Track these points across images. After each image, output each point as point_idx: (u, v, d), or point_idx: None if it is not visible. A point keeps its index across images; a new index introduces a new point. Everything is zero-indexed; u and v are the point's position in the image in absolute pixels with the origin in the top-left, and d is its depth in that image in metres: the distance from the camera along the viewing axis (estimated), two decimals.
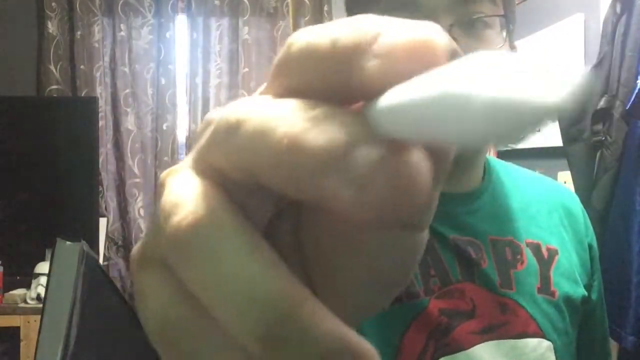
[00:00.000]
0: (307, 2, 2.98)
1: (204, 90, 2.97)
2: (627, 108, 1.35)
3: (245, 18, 2.98)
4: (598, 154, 1.43)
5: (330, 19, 3.02)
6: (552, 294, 0.66)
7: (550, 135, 1.76)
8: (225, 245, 0.17)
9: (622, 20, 1.39)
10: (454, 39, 0.58)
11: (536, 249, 0.68)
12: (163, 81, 2.94)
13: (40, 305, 1.02)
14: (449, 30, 0.59)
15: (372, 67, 0.16)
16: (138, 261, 0.20)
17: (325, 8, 3.00)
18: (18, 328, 2.41)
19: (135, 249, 0.20)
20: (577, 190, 1.51)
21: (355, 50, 0.17)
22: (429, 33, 0.17)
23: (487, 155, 0.76)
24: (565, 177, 1.70)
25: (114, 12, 2.92)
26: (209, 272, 0.17)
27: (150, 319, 0.19)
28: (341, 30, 0.17)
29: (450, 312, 0.63)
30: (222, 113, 0.18)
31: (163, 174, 0.20)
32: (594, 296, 0.72)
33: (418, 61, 0.16)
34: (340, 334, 0.17)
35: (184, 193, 0.18)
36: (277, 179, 0.17)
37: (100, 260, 2.68)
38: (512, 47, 0.67)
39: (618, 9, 1.41)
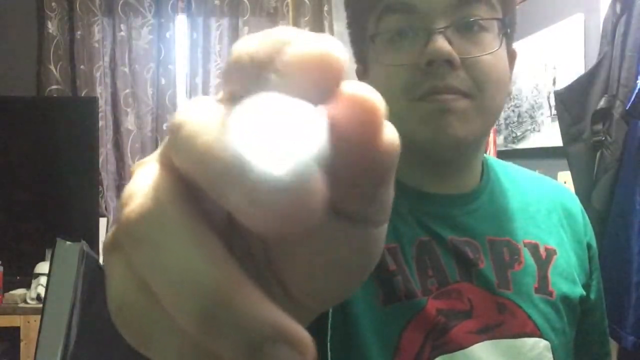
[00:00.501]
0: (307, 2, 2.98)
1: (204, 90, 2.97)
2: (627, 108, 1.35)
3: (245, 18, 2.98)
4: (598, 154, 1.43)
5: (330, 18, 3.02)
6: (550, 294, 0.66)
7: (550, 135, 1.76)
8: (167, 234, 0.18)
9: (622, 20, 1.39)
10: (449, 41, 0.59)
11: (534, 249, 0.68)
12: (163, 81, 2.94)
13: (40, 305, 1.02)
14: (444, 32, 0.59)
15: (273, 80, 0.18)
16: (106, 245, 0.21)
17: (325, 8, 3.00)
18: (18, 328, 2.41)
19: (107, 234, 0.21)
20: (577, 190, 1.51)
21: (264, 63, 0.18)
22: (327, 48, 0.18)
23: (486, 155, 0.76)
24: (565, 177, 1.70)
25: (114, 12, 2.92)
26: (153, 259, 0.18)
27: (111, 300, 0.20)
28: (260, 42, 0.18)
29: (448, 312, 0.63)
30: (178, 111, 0.20)
31: (134, 165, 0.22)
32: (592, 296, 0.72)
33: (313, 75, 0.18)
34: (276, 322, 0.18)
35: (140, 185, 0.20)
36: (202, 185, 0.18)
37: (100, 260, 2.68)
38: (510, 52, 0.67)
39: (618, 9, 1.41)
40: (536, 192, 0.74)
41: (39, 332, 0.86)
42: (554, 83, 1.75)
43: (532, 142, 1.88)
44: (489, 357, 0.63)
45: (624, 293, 1.29)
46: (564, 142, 1.55)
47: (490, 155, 0.80)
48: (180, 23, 3.01)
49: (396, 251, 0.65)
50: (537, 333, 0.64)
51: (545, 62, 1.80)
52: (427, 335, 0.62)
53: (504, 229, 0.68)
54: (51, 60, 2.86)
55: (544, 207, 0.72)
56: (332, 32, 3.02)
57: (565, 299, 0.67)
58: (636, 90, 1.33)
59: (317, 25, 3.01)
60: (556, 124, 1.61)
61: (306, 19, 2.99)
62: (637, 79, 1.35)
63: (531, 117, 1.87)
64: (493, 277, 0.65)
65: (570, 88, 1.53)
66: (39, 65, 2.89)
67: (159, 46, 2.94)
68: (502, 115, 2.05)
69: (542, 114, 1.82)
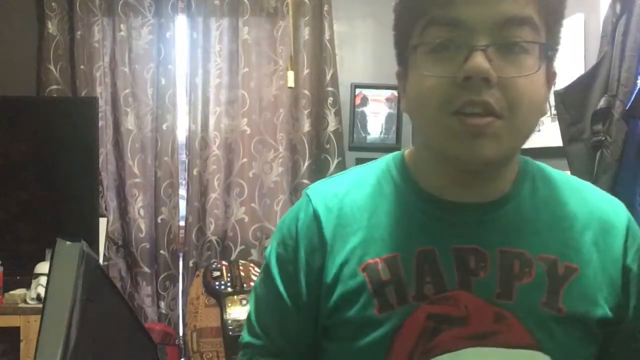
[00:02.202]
0: (307, 2, 2.98)
1: (204, 90, 2.97)
2: (627, 108, 1.35)
3: (245, 18, 2.98)
4: (598, 154, 1.43)
5: (330, 19, 3.02)
6: (559, 310, 0.66)
7: (550, 135, 1.76)
8: None
9: (622, 20, 1.39)
10: (489, 59, 0.61)
11: (551, 264, 0.68)
12: (163, 81, 2.94)
13: (40, 305, 1.02)
14: (485, 50, 0.61)
15: None
16: None
17: (325, 8, 3.00)
18: (18, 328, 2.41)
19: None
20: None
21: None
22: None
23: (531, 161, 0.76)
24: None
25: (114, 12, 2.92)
26: None
27: None
28: None
29: (440, 317, 0.66)
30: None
31: None
32: (628, 319, 0.71)
33: None
34: None
35: None
36: None
37: (100, 260, 2.68)
38: (550, 73, 0.69)
39: (618, 9, 1.41)
40: (575, 206, 0.72)
41: (39, 332, 0.86)
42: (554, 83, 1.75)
43: (532, 142, 1.87)
44: None
45: None
46: (564, 142, 1.55)
47: (540, 162, 0.78)
48: (180, 23, 3.01)
49: (395, 260, 0.68)
50: (535, 346, 0.65)
51: None
52: (419, 338, 0.66)
53: (521, 241, 0.68)
54: (51, 60, 2.86)
55: (580, 223, 0.70)
56: (332, 32, 3.02)
57: (579, 317, 0.67)
58: (636, 90, 1.33)
59: (317, 25, 3.01)
60: (556, 124, 1.61)
61: (306, 19, 2.98)
62: (637, 79, 1.35)
63: None
64: (495, 287, 0.66)
65: (570, 88, 1.53)
66: (39, 65, 2.89)
67: (159, 46, 2.94)
68: None
69: None
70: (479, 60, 0.61)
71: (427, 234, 0.68)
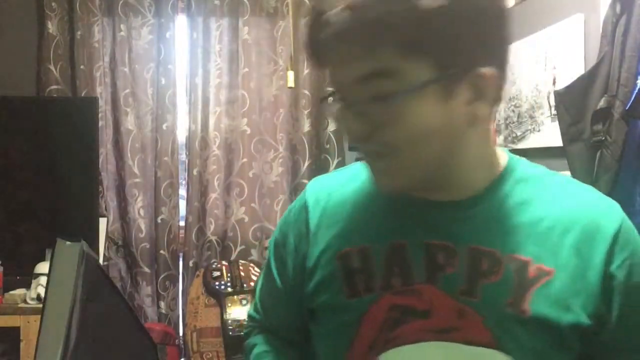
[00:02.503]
0: (307, 2, 2.98)
1: (204, 90, 2.97)
2: (627, 108, 1.35)
3: (245, 18, 2.98)
4: (598, 154, 1.43)
5: None
6: (523, 311, 0.66)
7: (550, 135, 1.76)
8: None
9: (622, 20, 1.39)
10: (362, 112, 0.64)
11: (522, 265, 0.67)
12: (163, 81, 2.94)
13: (40, 305, 1.02)
14: (356, 105, 0.65)
15: None
16: None
17: None
18: (18, 328, 2.41)
19: None
20: None
21: None
22: None
23: (520, 160, 0.75)
24: None
25: (114, 12, 2.92)
26: None
27: None
28: None
29: (404, 309, 0.68)
30: None
31: None
32: (609, 328, 0.68)
33: None
34: None
35: None
36: None
37: (100, 260, 2.68)
38: (471, 79, 0.64)
39: (618, 9, 1.41)
40: (560, 208, 0.70)
41: (39, 332, 0.86)
42: (554, 83, 1.75)
43: (532, 142, 1.88)
44: (436, 357, 0.67)
45: None
46: (563, 142, 1.55)
47: (531, 163, 0.76)
48: (180, 23, 3.01)
49: (368, 251, 0.72)
50: (493, 345, 0.65)
51: (545, 62, 1.80)
52: (381, 327, 0.69)
53: (492, 239, 0.68)
54: (51, 60, 2.86)
55: (561, 226, 0.68)
56: None
57: (545, 321, 0.65)
58: (636, 90, 1.33)
59: None
60: (556, 124, 1.61)
61: (306, 19, 2.98)
62: (637, 79, 1.35)
63: (531, 117, 1.87)
64: (460, 284, 0.67)
65: (570, 88, 1.53)
66: (39, 65, 2.89)
67: (159, 46, 2.94)
68: (502, 115, 2.05)
69: (542, 114, 1.82)
70: (349, 123, 0.66)
71: (401, 228, 0.71)
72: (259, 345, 0.85)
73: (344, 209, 0.76)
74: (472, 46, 0.63)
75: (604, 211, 0.71)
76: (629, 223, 0.71)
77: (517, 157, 0.76)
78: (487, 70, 0.64)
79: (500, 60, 0.66)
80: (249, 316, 0.91)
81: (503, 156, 0.74)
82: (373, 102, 0.63)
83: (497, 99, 0.68)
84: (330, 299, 0.73)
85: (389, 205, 0.72)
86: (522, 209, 0.70)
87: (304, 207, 0.79)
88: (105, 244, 2.82)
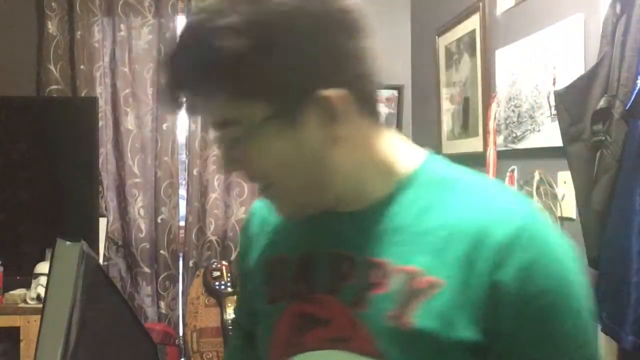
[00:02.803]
0: None
1: None
2: (627, 108, 1.35)
3: None
4: (598, 154, 1.43)
5: None
6: (404, 324, 0.64)
7: (550, 135, 1.76)
8: None
9: (622, 20, 1.39)
10: (233, 147, 0.66)
11: (410, 277, 0.65)
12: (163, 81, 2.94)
13: (40, 305, 1.02)
14: (221, 146, 0.69)
15: None
16: None
17: None
18: (18, 328, 2.41)
19: None
20: (577, 190, 1.51)
21: None
22: None
23: (439, 167, 0.72)
24: (565, 177, 1.70)
25: (114, 12, 2.92)
26: None
27: None
28: None
29: (308, 317, 0.70)
30: None
31: None
32: (502, 342, 0.63)
33: None
34: None
35: None
36: None
37: (100, 260, 2.68)
38: (317, 102, 0.63)
39: (618, 9, 1.41)
40: (457, 215, 0.65)
41: (39, 332, 0.86)
42: (554, 83, 1.75)
43: (532, 142, 1.88)
44: None
45: (624, 293, 1.29)
46: (563, 142, 1.55)
47: (445, 166, 0.73)
48: (181, 23, 3.01)
49: (285, 259, 0.75)
50: (380, 357, 0.65)
51: (545, 62, 1.80)
52: (289, 334, 0.72)
53: (386, 250, 0.67)
54: (51, 60, 2.86)
55: (457, 234, 0.64)
56: None
57: (429, 335, 0.63)
58: (636, 90, 1.33)
59: None
60: (556, 124, 1.61)
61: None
62: (637, 79, 1.35)
63: (531, 117, 1.87)
64: (354, 294, 0.68)
65: (570, 88, 1.53)
66: (39, 65, 2.89)
67: (159, 46, 2.94)
68: (502, 115, 2.05)
69: (542, 114, 1.82)
70: (221, 158, 0.72)
71: (313, 238, 0.73)
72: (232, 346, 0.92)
73: (277, 219, 0.78)
74: (299, 74, 0.62)
75: (497, 217, 0.64)
76: (534, 227, 0.64)
77: (436, 157, 0.74)
78: (331, 92, 0.62)
79: (348, 77, 0.64)
80: (232, 320, 1.01)
81: (415, 159, 0.71)
82: (229, 144, 0.67)
83: (367, 113, 0.68)
84: (258, 303, 0.78)
85: (308, 216, 0.74)
86: (421, 216, 0.67)
87: (251, 214, 0.87)
88: (105, 244, 2.82)
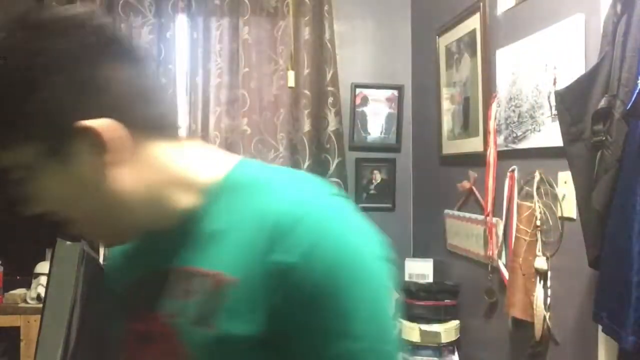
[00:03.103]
0: (307, 2, 2.98)
1: (204, 90, 2.97)
2: (627, 108, 1.35)
3: (245, 18, 2.98)
4: (598, 154, 1.43)
5: (331, 18, 3.02)
6: (210, 327, 0.65)
7: (550, 135, 1.76)
8: None
9: (623, 20, 1.39)
10: None
11: (213, 280, 0.66)
12: (163, 81, 2.94)
13: (40, 305, 1.02)
14: None
15: None
16: None
17: (326, 8, 3.00)
18: (18, 328, 2.41)
19: None
20: (577, 191, 1.51)
21: None
22: None
23: (247, 171, 0.73)
24: (565, 177, 1.70)
25: (114, 11, 2.92)
26: None
27: None
28: None
29: (141, 335, 0.73)
30: None
31: None
32: (287, 338, 0.62)
33: None
34: None
35: None
36: None
37: (101, 260, 2.68)
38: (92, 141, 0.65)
39: (619, 9, 1.41)
40: (255, 214, 0.66)
41: (39, 332, 0.86)
42: (555, 83, 1.74)
43: (532, 142, 1.88)
44: None
45: (624, 293, 1.29)
46: (564, 142, 1.55)
47: (249, 172, 0.73)
48: (181, 23, 3.01)
49: (131, 280, 0.77)
50: None
51: (545, 62, 1.80)
52: (128, 353, 0.75)
53: (197, 259, 0.68)
54: None
55: (250, 233, 0.65)
56: (332, 32, 3.02)
57: (230, 336, 0.63)
58: (637, 91, 1.33)
59: (318, 25, 3.01)
60: (556, 124, 1.61)
61: (306, 19, 2.98)
62: (637, 79, 1.35)
63: (531, 117, 1.87)
64: (172, 307, 0.69)
65: (570, 88, 1.53)
66: None
67: (159, 46, 2.94)
68: (503, 115, 2.05)
69: (542, 114, 1.82)
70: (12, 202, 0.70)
71: (146, 258, 0.75)
72: None
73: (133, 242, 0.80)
74: (55, 110, 0.62)
75: (285, 209, 0.65)
76: (316, 218, 0.64)
77: (248, 162, 0.75)
78: (93, 123, 0.63)
79: (109, 104, 0.64)
80: None
81: (222, 167, 0.72)
82: (13, 187, 0.67)
83: (153, 134, 0.69)
84: (112, 323, 0.82)
85: (143, 236, 0.75)
86: (225, 221, 0.68)
87: None
88: None
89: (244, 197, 0.68)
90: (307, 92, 2.98)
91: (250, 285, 0.63)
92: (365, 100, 3.13)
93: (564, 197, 1.73)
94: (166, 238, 0.72)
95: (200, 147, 0.75)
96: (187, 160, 0.72)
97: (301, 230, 0.62)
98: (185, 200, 0.71)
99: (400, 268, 2.85)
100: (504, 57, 2.09)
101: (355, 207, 0.70)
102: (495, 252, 2.13)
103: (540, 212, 1.81)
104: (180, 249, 0.70)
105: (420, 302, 2.51)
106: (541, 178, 1.82)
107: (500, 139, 2.09)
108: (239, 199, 0.68)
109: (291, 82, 2.76)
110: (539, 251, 1.82)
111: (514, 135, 1.99)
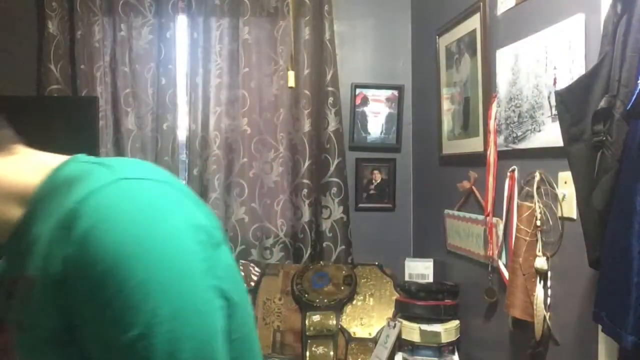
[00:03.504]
0: (308, 2, 2.98)
1: (204, 90, 2.97)
2: (627, 108, 1.35)
3: (245, 18, 2.98)
4: (598, 154, 1.43)
5: (331, 18, 3.02)
6: (22, 324, 0.68)
7: (550, 135, 1.76)
8: None
9: (623, 20, 1.39)
10: None
11: (26, 282, 0.68)
12: (163, 81, 2.94)
13: None
14: None
15: None
16: None
17: (326, 8, 3.00)
18: None
19: None
20: (577, 191, 1.51)
21: None
22: None
23: (67, 170, 0.73)
24: (565, 178, 1.70)
25: (114, 11, 2.92)
26: None
27: None
28: None
29: (2, 347, 0.77)
30: None
31: None
32: (78, 325, 0.61)
33: None
34: None
35: None
36: None
37: None
38: None
39: (619, 9, 1.40)
40: (58, 212, 0.65)
41: None
42: (555, 83, 1.74)
43: (532, 142, 1.88)
44: None
45: (624, 293, 1.29)
46: (564, 142, 1.54)
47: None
48: (181, 23, 3.01)
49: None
50: None
51: (545, 62, 1.80)
52: None
53: (27, 265, 0.69)
54: (51, 60, 2.86)
55: (54, 231, 0.64)
56: (332, 32, 3.02)
57: (32, 336, 0.66)
58: (637, 91, 1.33)
59: (318, 25, 3.01)
60: (557, 124, 1.61)
61: (306, 19, 2.98)
62: (637, 79, 1.35)
63: (532, 117, 1.87)
64: (11, 316, 0.71)
65: (570, 88, 1.53)
66: (39, 65, 2.89)
67: (159, 46, 2.94)
68: (503, 115, 2.05)
69: (542, 114, 1.82)
70: None
71: (4, 269, 0.77)
72: None
73: None
74: None
75: (77, 194, 0.64)
76: (102, 196, 0.62)
77: (76, 158, 0.75)
78: None
79: None
80: None
81: (44, 170, 0.73)
82: None
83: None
84: None
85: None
86: (42, 222, 0.69)
87: None
88: None
89: (58, 197, 0.68)
90: (307, 92, 2.98)
91: (46, 282, 0.63)
92: (365, 100, 3.13)
93: (564, 197, 1.73)
94: (7, 250, 0.74)
95: (26, 155, 0.77)
96: (12, 171, 0.73)
97: (79, 220, 0.60)
98: (15, 211, 0.72)
99: (400, 268, 2.85)
100: (504, 57, 2.09)
101: (182, 191, 0.67)
102: (496, 252, 2.13)
103: (541, 212, 1.81)
104: (18, 258, 0.71)
105: (420, 302, 2.51)
106: (541, 178, 1.82)
107: (501, 139, 2.09)
108: (55, 200, 0.69)
109: (291, 82, 2.75)
110: (539, 251, 1.81)
111: (514, 135, 1.99)
